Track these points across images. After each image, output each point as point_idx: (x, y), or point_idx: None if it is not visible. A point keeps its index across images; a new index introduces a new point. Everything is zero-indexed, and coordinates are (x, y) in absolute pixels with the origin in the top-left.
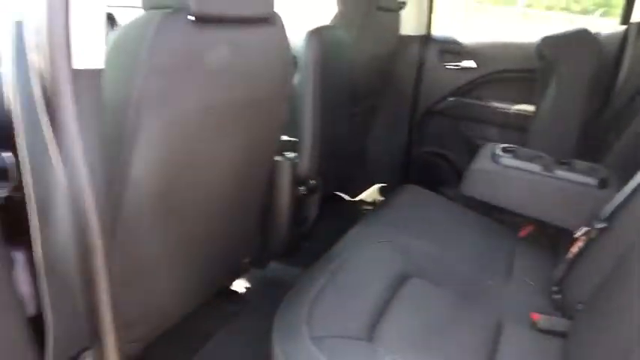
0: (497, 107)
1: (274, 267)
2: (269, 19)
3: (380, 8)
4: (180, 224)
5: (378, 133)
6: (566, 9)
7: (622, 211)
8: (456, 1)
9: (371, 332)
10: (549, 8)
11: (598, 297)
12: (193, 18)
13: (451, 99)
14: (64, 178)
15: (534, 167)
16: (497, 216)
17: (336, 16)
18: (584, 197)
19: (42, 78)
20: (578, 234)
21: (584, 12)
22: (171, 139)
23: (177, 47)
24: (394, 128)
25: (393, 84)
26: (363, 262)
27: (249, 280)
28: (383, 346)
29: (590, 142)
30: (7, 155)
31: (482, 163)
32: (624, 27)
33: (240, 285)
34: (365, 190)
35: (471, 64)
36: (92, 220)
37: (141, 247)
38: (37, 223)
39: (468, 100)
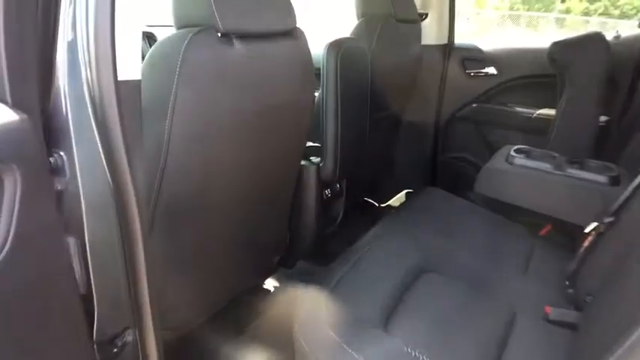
0: (519, 112)
1: (302, 266)
2: (291, 33)
3: (399, 20)
4: (213, 223)
5: (405, 140)
6: (605, 13)
7: (628, 205)
8: (487, 12)
9: (386, 322)
10: (586, 14)
11: (604, 289)
12: (219, 34)
13: (474, 105)
14: (108, 174)
15: (546, 166)
16: (519, 218)
17: (356, 28)
18: (595, 194)
19: (91, 89)
20: (588, 229)
21: (623, 16)
22: (202, 144)
23: (206, 61)
24: (420, 135)
25: (418, 92)
26: (382, 255)
27: (278, 279)
28: (396, 334)
29: (612, 143)
30: (62, 154)
31: (495, 163)
32: None
33: (270, 283)
34: (393, 196)
35: (492, 70)
36: (132, 212)
37: (176, 242)
38: (85, 214)
39: (490, 106)
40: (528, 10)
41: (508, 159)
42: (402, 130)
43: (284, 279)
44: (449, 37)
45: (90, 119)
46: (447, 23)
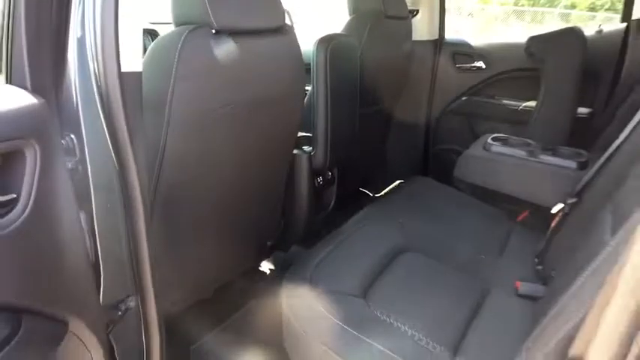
0: (506, 104)
1: (295, 250)
2: (281, 30)
3: (389, 17)
4: (210, 207)
5: (398, 133)
6: (611, 9)
7: (590, 186)
8: (492, 8)
9: (365, 291)
10: (592, 9)
11: (564, 263)
12: (214, 31)
13: (464, 98)
14: (113, 155)
15: (520, 153)
16: (500, 204)
17: (347, 25)
18: (564, 178)
19: (98, 79)
20: (554, 210)
21: None
22: (199, 132)
23: (201, 56)
24: (412, 127)
25: (410, 86)
26: (364, 236)
27: (273, 262)
28: (374, 303)
29: (594, 134)
30: (73, 137)
31: (473, 150)
32: (625, 24)
33: (266, 266)
34: (387, 186)
35: (481, 64)
36: (135, 190)
37: (175, 223)
38: (93, 191)
39: (479, 99)
40: (533, 5)
41: (485, 146)
42: (394, 122)
43: (279, 262)
44: (439, 32)
45: (97, 106)
46: (437, 19)
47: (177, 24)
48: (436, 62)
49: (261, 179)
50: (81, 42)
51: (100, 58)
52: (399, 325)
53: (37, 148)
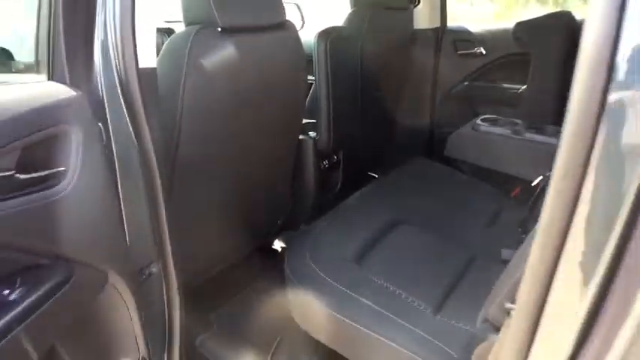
0: (506, 88)
1: (304, 229)
2: (282, 26)
3: (389, 8)
4: (222, 188)
5: (403, 117)
6: None
7: None
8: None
9: (360, 259)
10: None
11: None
12: (220, 29)
13: (466, 83)
14: (134, 138)
15: (506, 131)
16: (500, 184)
17: (348, 17)
18: (546, 154)
19: (119, 75)
20: (534, 183)
21: None
22: (210, 120)
23: (208, 53)
24: (417, 112)
25: (413, 73)
26: (361, 210)
27: (283, 240)
28: (367, 268)
29: None
30: (100, 124)
31: (463, 130)
32: None
33: (278, 244)
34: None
35: (481, 50)
36: (153, 168)
37: (192, 201)
38: (118, 171)
39: (480, 84)
40: None
41: (474, 127)
42: (399, 107)
43: (289, 240)
44: (441, 20)
45: (119, 97)
46: (438, 7)
47: (187, 23)
48: (438, 49)
49: (269, 162)
50: (104, 43)
51: (120, 56)
52: (389, 286)
53: (80, 130)
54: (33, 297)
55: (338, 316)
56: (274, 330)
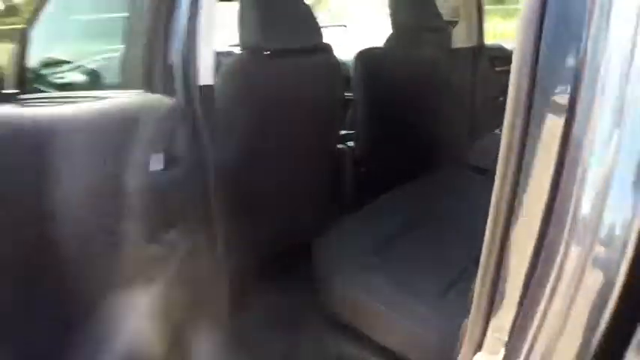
0: None
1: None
2: (320, 47)
3: (429, 29)
4: (264, 183)
5: (439, 131)
6: None
7: None
8: None
9: (379, 252)
10: None
11: None
12: (265, 53)
13: (501, 99)
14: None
15: None
16: None
17: (388, 39)
18: None
19: (185, 89)
20: None
21: None
22: (258, 130)
23: (256, 73)
24: (453, 126)
25: (452, 90)
26: (385, 211)
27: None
28: (385, 261)
29: None
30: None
31: (486, 139)
32: None
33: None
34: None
35: None
36: (209, 167)
37: (238, 194)
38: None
39: None
40: None
41: (495, 135)
42: (435, 122)
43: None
44: (478, 38)
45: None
46: (476, 27)
47: (242, 48)
48: (476, 66)
49: (306, 170)
50: (170, 67)
51: (180, 75)
52: (403, 272)
53: (183, 129)
54: None
55: (359, 298)
56: (299, 315)
